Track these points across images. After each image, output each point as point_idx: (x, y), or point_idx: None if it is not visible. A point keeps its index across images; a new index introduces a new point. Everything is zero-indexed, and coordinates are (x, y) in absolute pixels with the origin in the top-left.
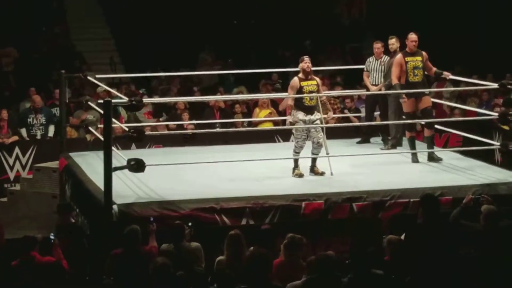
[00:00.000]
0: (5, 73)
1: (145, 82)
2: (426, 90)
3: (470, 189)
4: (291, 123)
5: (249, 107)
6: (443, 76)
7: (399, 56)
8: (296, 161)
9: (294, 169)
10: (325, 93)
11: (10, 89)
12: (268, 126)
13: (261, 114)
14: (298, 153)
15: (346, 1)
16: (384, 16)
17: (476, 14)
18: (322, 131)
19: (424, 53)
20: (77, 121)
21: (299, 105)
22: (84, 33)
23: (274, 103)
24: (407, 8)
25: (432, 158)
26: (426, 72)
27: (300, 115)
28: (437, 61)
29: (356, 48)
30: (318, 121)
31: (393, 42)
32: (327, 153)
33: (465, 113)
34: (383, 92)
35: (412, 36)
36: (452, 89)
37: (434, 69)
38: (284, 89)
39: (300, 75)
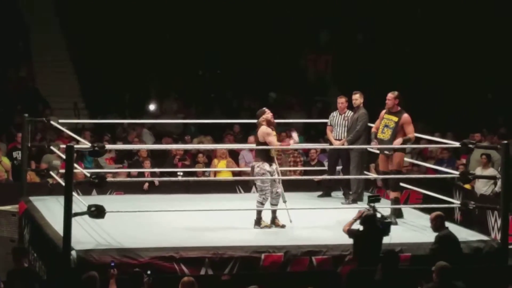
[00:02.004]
0: None
1: (109, 128)
2: (374, 147)
3: (429, 246)
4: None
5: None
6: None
7: (384, 110)
8: (260, 213)
9: (259, 221)
10: (289, 145)
11: None
12: (228, 176)
13: (219, 165)
14: (263, 204)
15: (312, 55)
16: (349, 71)
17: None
18: (279, 181)
19: (404, 116)
20: (46, 165)
21: (265, 156)
22: (50, 77)
23: (234, 154)
24: (372, 63)
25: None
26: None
27: (267, 166)
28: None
29: (321, 102)
30: (275, 172)
31: (357, 98)
32: (285, 201)
33: (426, 170)
34: (345, 146)
35: (388, 95)
36: (416, 146)
37: (399, 139)
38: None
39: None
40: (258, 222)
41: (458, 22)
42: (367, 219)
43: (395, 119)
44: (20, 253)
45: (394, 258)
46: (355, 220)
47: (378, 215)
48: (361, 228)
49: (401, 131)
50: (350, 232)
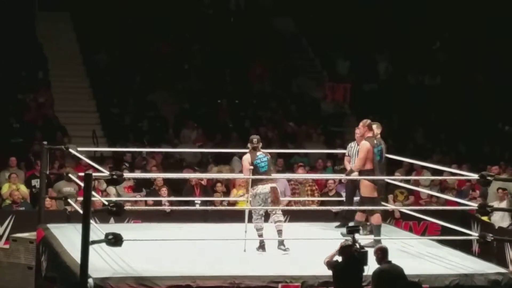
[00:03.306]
0: None
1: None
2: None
3: (447, 279)
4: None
5: (228, 187)
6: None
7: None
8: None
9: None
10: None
11: None
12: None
13: (239, 194)
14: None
15: (329, 85)
16: (366, 101)
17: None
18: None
19: (361, 143)
20: (55, 193)
21: (253, 180)
22: (68, 104)
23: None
24: (389, 95)
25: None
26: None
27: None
28: (417, 147)
29: (338, 132)
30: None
31: (374, 128)
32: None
33: (444, 202)
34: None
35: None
36: (432, 177)
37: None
38: None
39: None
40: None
41: (475, 53)
42: (344, 249)
43: (358, 147)
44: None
45: None
46: (336, 252)
47: (356, 245)
48: (340, 259)
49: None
50: (329, 264)
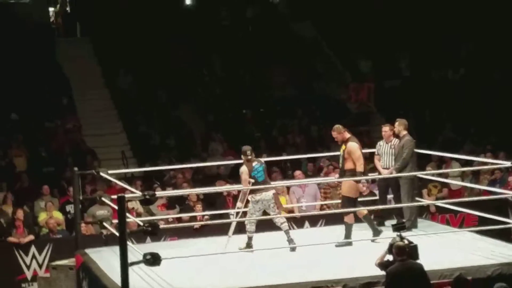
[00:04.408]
0: (18, 173)
1: (158, 175)
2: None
3: (489, 269)
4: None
5: None
6: None
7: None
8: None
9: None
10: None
11: (24, 188)
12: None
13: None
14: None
15: (353, 86)
16: (391, 99)
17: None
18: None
19: (349, 145)
20: (91, 218)
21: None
22: (95, 128)
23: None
24: (413, 91)
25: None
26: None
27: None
28: (447, 141)
29: (365, 131)
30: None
31: (386, 130)
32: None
33: (479, 191)
34: (394, 175)
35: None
36: (458, 169)
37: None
38: None
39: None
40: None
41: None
42: (393, 247)
43: (344, 147)
44: None
45: (465, 285)
46: (386, 252)
47: (405, 242)
48: (391, 258)
49: (348, 159)
50: (381, 265)
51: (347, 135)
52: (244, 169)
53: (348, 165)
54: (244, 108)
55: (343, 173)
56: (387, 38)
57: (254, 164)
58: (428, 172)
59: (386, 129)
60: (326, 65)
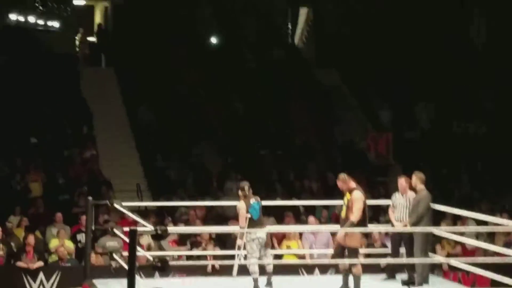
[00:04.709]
0: (33, 198)
1: (171, 210)
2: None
3: None
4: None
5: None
6: None
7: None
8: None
9: None
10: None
11: (37, 214)
12: (293, 259)
13: (292, 244)
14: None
15: (372, 135)
16: (409, 151)
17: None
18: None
19: (353, 193)
20: (101, 249)
21: (250, 223)
22: (113, 159)
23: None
24: (432, 143)
25: None
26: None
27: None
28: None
29: (382, 182)
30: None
31: (402, 182)
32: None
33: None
34: (408, 229)
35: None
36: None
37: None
38: None
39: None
40: None
41: None
42: None
43: (349, 196)
44: None
45: None
46: None
47: None
48: None
49: (351, 208)
50: None
51: (353, 184)
52: (241, 205)
53: (349, 214)
54: (263, 150)
55: (343, 222)
56: (409, 89)
57: (251, 201)
58: (443, 228)
59: (402, 181)
60: (348, 112)
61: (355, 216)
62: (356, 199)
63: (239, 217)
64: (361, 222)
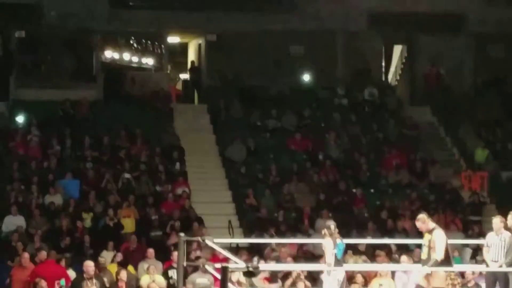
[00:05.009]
0: (126, 234)
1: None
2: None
3: None
4: None
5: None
6: None
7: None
8: None
9: None
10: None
11: (130, 249)
12: None
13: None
14: None
15: (466, 174)
16: (506, 190)
17: None
18: None
19: (434, 233)
20: (191, 286)
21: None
22: (205, 195)
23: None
24: None
25: None
26: None
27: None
28: None
29: (477, 221)
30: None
31: (497, 222)
32: None
33: None
34: (503, 269)
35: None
36: None
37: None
38: None
39: None
40: None
41: None
42: None
43: (429, 237)
44: None
45: None
46: None
47: None
48: None
49: (433, 248)
50: None
51: (432, 224)
52: (328, 244)
53: (434, 256)
54: (355, 188)
55: (425, 263)
56: (504, 127)
57: (337, 240)
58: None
59: (496, 220)
60: (443, 151)
61: (438, 255)
62: (438, 238)
63: (325, 253)
64: (445, 262)
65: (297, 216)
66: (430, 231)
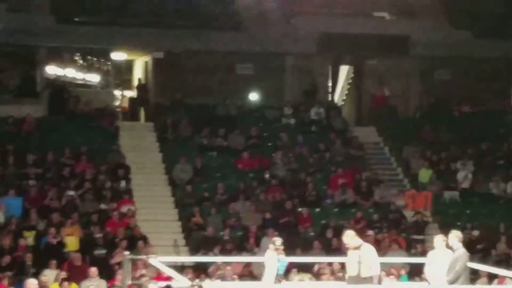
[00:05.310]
0: (69, 252)
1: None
2: None
3: None
4: None
5: None
6: None
7: None
8: None
9: None
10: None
11: (73, 268)
12: None
13: None
14: None
15: (411, 193)
16: (448, 210)
17: None
18: None
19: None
20: None
21: None
22: (150, 214)
23: None
24: (471, 203)
25: None
26: None
27: None
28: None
29: (420, 240)
30: None
31: (450, 237)
32: None
33: None
34: (445, 287)
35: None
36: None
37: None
38: None
39: None
40: None
41: None
42: None
43: (357, 252)
44: None
45: None
46: None
47: None
48: None
49: (364, 264)
50: None
51: (359, 241)
52: (271, 258)
53: (365, 272)
54: (301, 207)
55: (355, 280)
56: (449, 148)
57: (281, 257)
58: (479, 286)
59: (438, 239)
60: (387, 171)
61: (376, 270)
62: (370, 253)
63: (268, 269)
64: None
65: (243, 235)
66: (357, 247)
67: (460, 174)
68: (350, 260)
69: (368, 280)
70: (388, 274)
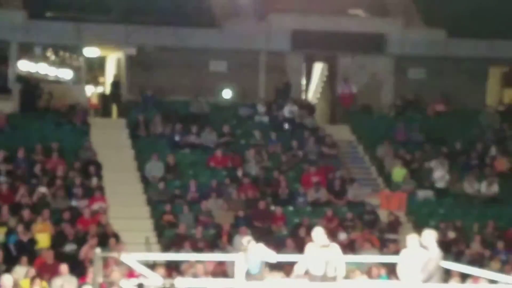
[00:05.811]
0: (40, 249)
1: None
2: None
3: None
4: None
5: None
6: None
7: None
8: None
9: None
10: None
11: (44, 265)
12: None
13: None
14: None
15: (385, 193)
16: (422, 209)
17: None
18: None
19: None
20: None
21: None
22: (122, 211)
23: None
24: (445, 202)
25: None
26: None
27: None
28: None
29: (393, 240)
30: None
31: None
32: None
33: None
34: (419, 286)
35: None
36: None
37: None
38: None
39: None
40: None
41: None
42: None
43: (325, 251)
44: None
45: None
46: None
47: None
48: None
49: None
50: None
51: (327, 240)
52: (241, 258)
53: (331, 272)
54: (274, 206)
55: (320, 279)
56: (423, 148)
57: (250, 256)
58: (452, 286)
59: (411, 238)
60: (361, 170)
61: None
62: (338, 254)
63: (235, 269)
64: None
65: (216, 233)
66: (325, 246)
67: (437, 173)
68: (317, 258)
69: (332, 280)
70: (369, 273)
